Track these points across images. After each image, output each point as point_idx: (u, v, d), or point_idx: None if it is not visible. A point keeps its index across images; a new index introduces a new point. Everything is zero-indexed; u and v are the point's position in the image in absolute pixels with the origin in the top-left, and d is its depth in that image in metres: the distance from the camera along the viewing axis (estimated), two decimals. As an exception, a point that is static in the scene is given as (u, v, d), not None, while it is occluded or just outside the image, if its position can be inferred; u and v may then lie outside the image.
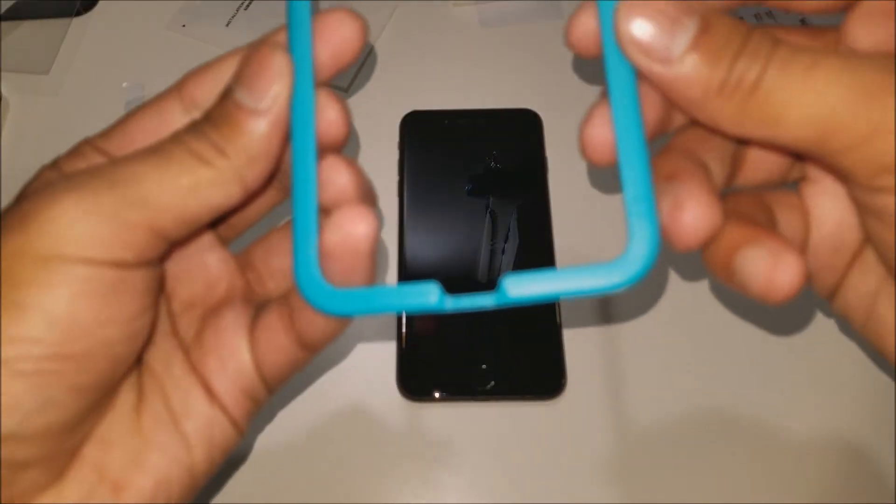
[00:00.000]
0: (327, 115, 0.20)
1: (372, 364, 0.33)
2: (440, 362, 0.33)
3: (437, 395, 0.32)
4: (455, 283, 0.34)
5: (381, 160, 0.38)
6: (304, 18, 0.19)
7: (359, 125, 0.40)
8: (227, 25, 0.44)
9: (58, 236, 0.18)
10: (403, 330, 0.33)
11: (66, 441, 0.20)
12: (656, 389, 0.33)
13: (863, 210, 0.20)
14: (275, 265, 0.24)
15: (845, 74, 0.18)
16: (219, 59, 0.23)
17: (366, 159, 0.39)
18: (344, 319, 0.22)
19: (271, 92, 0.19)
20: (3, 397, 0.18)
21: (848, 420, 0.32)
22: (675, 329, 0.34)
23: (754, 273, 0.19)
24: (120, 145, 0.22)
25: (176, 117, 0.22)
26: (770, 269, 0.19)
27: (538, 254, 0.35)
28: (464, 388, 0.32)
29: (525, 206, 0.36)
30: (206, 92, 0.22)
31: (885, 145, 0.17)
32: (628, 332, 0.34)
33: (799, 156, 0.23)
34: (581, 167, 0.36)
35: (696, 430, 0.32)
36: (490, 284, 0.34)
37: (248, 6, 0.45)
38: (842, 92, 0.17)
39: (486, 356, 0.33)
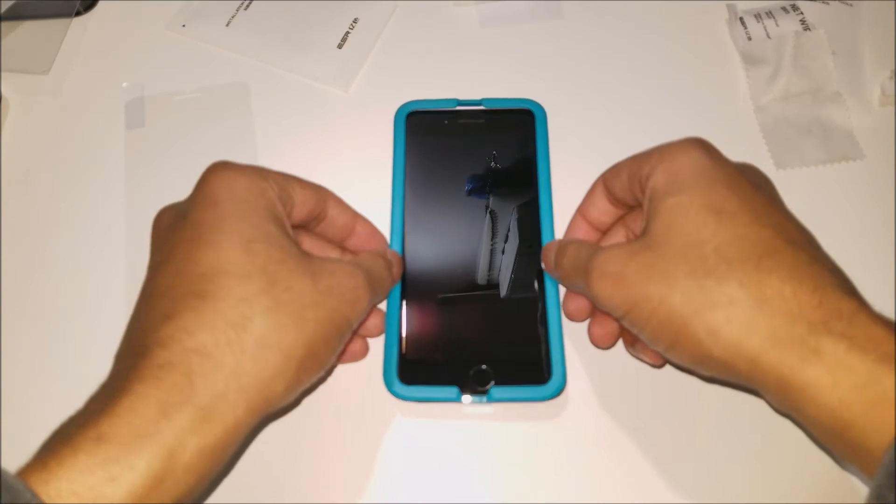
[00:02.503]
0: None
1: (365, 364, 0.33)
2: (438, 362, 0.33)
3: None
4: (454, 280, 0.34)
5: (381, 160, 0.38)
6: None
7: (358, 125, 0.40)
8: (227, 25, 0.44)
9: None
10: (402, 331, 0.33)
11: None
12: (656, 390, 0.33)
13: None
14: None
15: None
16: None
17: (366, 159, 0.39)
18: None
19: None
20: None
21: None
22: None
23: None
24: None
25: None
26: None
27: (534, 251, 0.35)
28: (463, 386, 0.32)
29: (523, 202, 0.36)
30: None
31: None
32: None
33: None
34: (581, 164, 0.36)
35: (696, 430, 0.32)
36: (488, 284, 0.34)
37: (248, 6, 0.45)
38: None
39: (486, 356, 0.33)
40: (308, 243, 0.34)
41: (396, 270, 0.34)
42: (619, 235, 0.34)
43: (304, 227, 0.33)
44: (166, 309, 0.26)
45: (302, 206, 0.31)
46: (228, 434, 0.25)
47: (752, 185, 0.29)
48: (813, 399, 0.24)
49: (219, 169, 0.29)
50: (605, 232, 0.34)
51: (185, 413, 0.24)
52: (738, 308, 0.25)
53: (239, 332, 0.25)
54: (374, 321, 0.33)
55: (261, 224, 0.28)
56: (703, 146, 0.30)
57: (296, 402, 0.32)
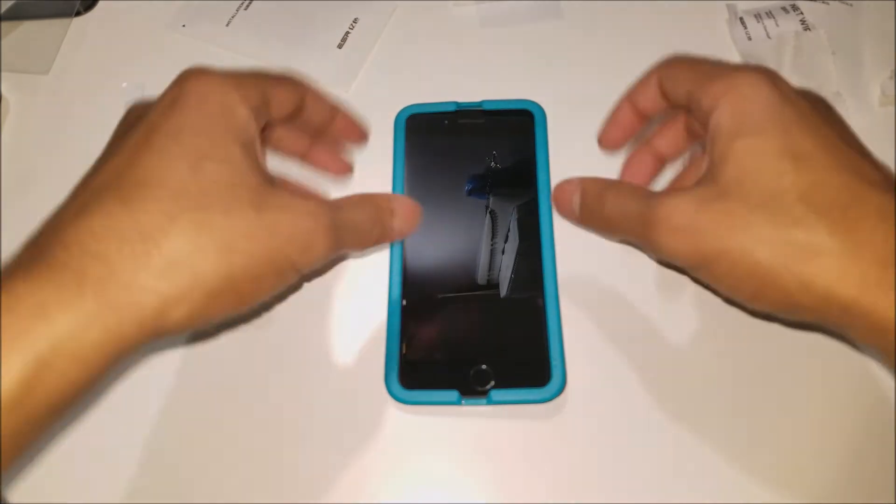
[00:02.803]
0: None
1: (363, 363, 0.33)
2: (438, 365, 0.33)
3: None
4: (454, 281, 0.34)
5: (382, 160, 0.38)
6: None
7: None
8: (227, 25, 0.44)
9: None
10: (402, 334, 0.33)
11: None
12: (657, 390, 0.33)
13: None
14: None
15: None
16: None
17: (366, 159, 0.39)
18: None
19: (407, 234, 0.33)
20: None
21: (848, 420, 0.32)
22: (677, 329, 0.34)
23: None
24: None
25: None
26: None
27: (534, 251, 0.35)
28: (462, 388, 0.32)
29: (523, 203, 0.36)
30: None
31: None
32: (629, 334, 0.34)
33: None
34: (580, 165, 0.36)
35: (697, 430, 0.32)
36: (488, 285, 0.34)
37: (248, 6, 0.45)
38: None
39: (486, 356, 0.33)
40: (287, 136, 0.33)
41: (400, 223, 0.31)
42: (668, 144, 0.35)
43: (281, 122, 0.32)
44: (85, 206, 0.25)
45: (279, 108, 0.30)
46: (112, 344, 0.23)
47: (826, 122, 0.27)
48: None
49: (194, 75, 0.28)
50: (648, 118, 0.34)
51: (67, 318, 0.23)
52: (830, 258, 0.25)
53: (149, 246, 0.24)
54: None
55: (222, 143, 0.26)
56: (771, 80, 0.28)
57: (213, 332, 0.31)
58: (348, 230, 0.29)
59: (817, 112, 0.28)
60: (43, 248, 0.24)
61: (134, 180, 0.25)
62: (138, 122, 0.27)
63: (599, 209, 0.30)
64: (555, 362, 0.32)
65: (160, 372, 0.34)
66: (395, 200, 0.32)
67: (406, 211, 0.32)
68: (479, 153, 0.38)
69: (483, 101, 0.39)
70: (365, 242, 0.31)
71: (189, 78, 0.28)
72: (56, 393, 0.23)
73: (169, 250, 0.24)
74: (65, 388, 0.23)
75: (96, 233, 0.24)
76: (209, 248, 0.25)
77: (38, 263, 0.23)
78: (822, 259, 0.25)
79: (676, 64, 0.31)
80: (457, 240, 0.35)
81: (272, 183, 0.27)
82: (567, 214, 0.33)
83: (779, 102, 0.27)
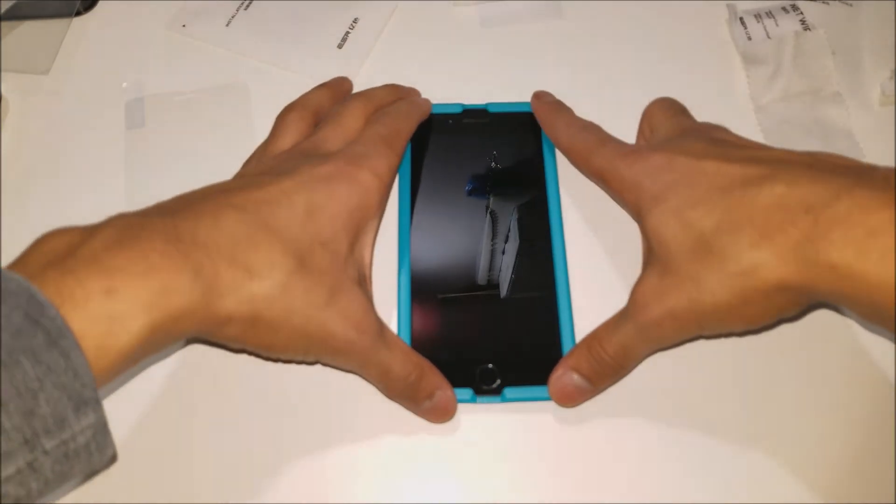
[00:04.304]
0: None
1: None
2: (450, 363, 0.32)
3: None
4: (462, 281, 0.34)
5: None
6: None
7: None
8: (227, 25, 0.44)
9: None
10: (413, 333, 0.33)
11: None
12: (658, 392, 0.33)
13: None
14: None
15: None
16: None
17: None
18: None
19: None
20: None
21: (848, 420, 0.32)
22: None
23: None
24: None
25: None
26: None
27: (539, 252, 0.35)
28: (475, 387, 0.32)
29: (530, 204, 0.36)
30: None
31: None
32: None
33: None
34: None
35: (697, 430, 0.32)
36: (497, 285, 0.34)
37: (248, 6, 0.45)
38: None
39: (498, 355, 0.33)
40: None
41: (429, 407, 0.31)
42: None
43: None
44: (250, 222, 0.28)
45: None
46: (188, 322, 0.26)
47: (703, 152, 0.31)
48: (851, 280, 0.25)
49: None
50: None
51: (181, 297, 0.25)
52: (768, 265, 0.27)
53: (244, 277, 0.27)
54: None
55: (345, 240, 0.31)
56: (641, 157, 0.32)
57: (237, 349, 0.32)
58: (377, 368, 0.31)
59: (692, 149, 0.31)
60: (181, 230, 0.27)
61: (284, 224, 0.29)
62: (306, 163, 0.31)
63: (613, 365, 0.31)
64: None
65: (159, 369, 0.34)
66: (441, 389, 0.31)
67: (441, 405, 0.31)
68: (483, 154, 0.38)
69: (488, 104, 0.39)
70: (381, 388, 0.32)
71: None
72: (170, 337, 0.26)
73: (253, 290, 0.27)
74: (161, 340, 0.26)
75: (221, 245, 0.27)
76: (281, 306, 0.28)
77: (175, 244, 0.26)
78: (762, 270, 0.27)
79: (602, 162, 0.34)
80: (464, 240, 0.35)
81: (361, 286, 0.31)
82: (577, 396, 0.32)
83: (654, 174, 0.31)
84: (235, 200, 0.29)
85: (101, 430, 0.23)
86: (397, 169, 0.35)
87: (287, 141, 0.34)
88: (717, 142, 0.32)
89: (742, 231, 0.28)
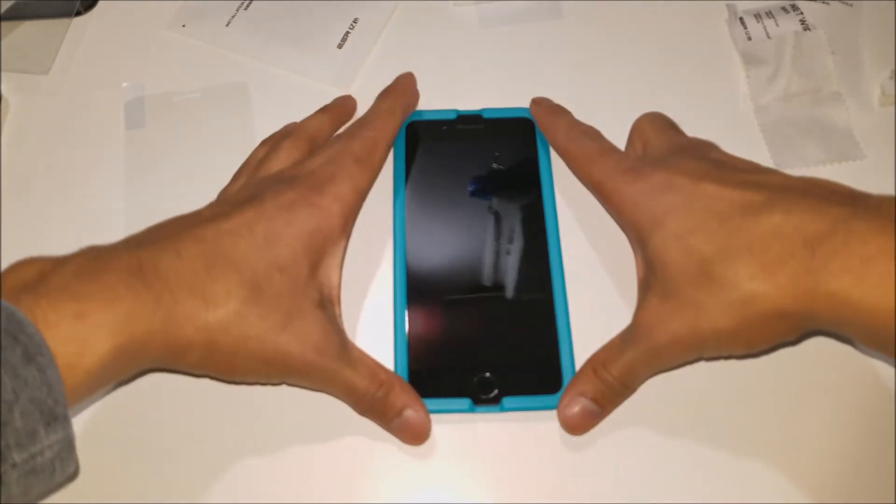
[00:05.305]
0: None
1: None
2: (448, 373, 0.32)
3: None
4: (458, 287, 0.34)
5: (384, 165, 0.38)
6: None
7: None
8: (227, 25, 0.44)
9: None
10: (410, 343, 0.33)
11: None
12: (659, 396, 0.33)
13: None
14: None
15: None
16: None
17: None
18: None
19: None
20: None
21: (848, 421, 0.32)
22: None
23: None
24: None
25: None
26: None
27: (536, 260, 0.35)
28: (474, 396, 0.32)
29: (525, 209, 0.36)
30: None
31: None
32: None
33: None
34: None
35: (698, 430, 0.32)
36: (491, 286, 0.34)
37: (248, 6, 0.45)
38: None
39: (496, 364, 0.32)
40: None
41: (400, 425, 0.31)
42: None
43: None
44: (210, 253, 0.29)
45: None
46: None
47: (701, 174, 0.31)
48: (850, 307, 0.26)
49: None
50: None
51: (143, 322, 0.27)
52: (766, 295, 0.27)
53: (201, 306, 0.28)
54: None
55: (305, 265, 0.31)
56: (639, 176, 0.32)
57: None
58: (341, 386, 0.31)
59: (691, 169, 0.31)
60: (144, 261, 0.28)
61: (241, 255, 0.30)
62: (297, 198, 0.32)
63: (619, 388, 0.31)
64: (565, 368, 0.32)
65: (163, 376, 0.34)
66: (412, 408, 0.31)
67: (410, 422, 0.31)
68: (479, 161, 0.38)
69: (483, 110, 0.39)
70: (350, 405, 0.32)
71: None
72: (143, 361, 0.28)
73: (211, 318, 0.28)
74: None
75: (182, 276, 0.28)
76: (237, 333, 0.29)
77: (138, 275, 0.27)
78: (761, 299, 0.28)
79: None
80: (460, 248, 0.35)
81: (323, 307, 0.31)
82: (587, 421, 0.31)
83: (654, 195, 0.31)
84: (199, 232, 0.30)
85: (68, 446, 0.24)
86: (370, 184, 0.36)
87: (273, 167, 0.35)
88: (714, 163, 0.32)
89: (741, 259, 0.28)
